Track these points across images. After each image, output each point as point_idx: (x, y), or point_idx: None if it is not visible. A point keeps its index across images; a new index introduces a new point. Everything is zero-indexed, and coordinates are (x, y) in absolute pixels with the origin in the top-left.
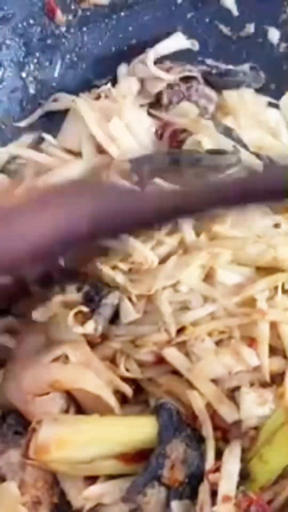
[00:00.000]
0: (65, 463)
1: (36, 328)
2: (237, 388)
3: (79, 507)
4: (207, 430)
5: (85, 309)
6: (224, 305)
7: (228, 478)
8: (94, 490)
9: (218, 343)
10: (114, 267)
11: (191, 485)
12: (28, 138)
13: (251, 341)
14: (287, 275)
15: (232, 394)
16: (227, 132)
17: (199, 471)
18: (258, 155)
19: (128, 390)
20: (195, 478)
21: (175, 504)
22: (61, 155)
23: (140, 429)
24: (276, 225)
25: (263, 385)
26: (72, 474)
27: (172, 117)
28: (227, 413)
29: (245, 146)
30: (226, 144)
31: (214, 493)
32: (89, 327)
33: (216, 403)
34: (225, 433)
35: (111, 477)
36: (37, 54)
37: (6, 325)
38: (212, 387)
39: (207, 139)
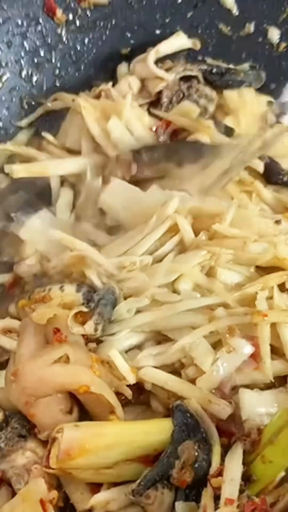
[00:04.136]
0: (88, 470)
1: (36, 330)
2: (238, 388)
3: (83, 510)
4: (213, 435)
5: (84, 309)
6: (224, 300)
7: (230, 481)
8: (101, 496)
9: (216, 343)
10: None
11: (198, 488)
12: (25, 136)
13: (252, 340)
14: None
15: (233, 394)
16: (227, 131)
17: (206, 475)
18: None
19: (128, 391)
20: (202, 482)
21: (179, 505)
22: (60, 154)
23: (160, 430)
24: (277, 222)
25: (265, 384)
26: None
27: (172, 117)
28: (219, 410)
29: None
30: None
31: (218, 497)
32: (89, 327)
33: (205, 405)
34: (231, 438)
35: (116, 483)
36: (37, 54)
37: (6, 327)
38: (196, 390)
39: (207, 138)
